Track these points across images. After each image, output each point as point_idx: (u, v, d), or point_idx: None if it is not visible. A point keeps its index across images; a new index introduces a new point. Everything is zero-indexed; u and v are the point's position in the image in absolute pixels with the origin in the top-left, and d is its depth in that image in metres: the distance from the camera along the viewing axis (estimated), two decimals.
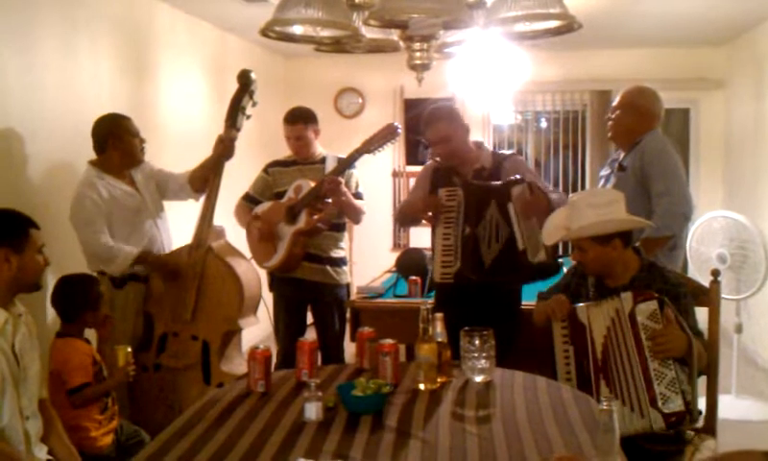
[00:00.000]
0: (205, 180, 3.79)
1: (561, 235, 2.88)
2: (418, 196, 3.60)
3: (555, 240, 2.97)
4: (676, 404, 2.43)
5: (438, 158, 3.54)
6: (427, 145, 3.86)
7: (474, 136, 3.74)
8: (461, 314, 2.83)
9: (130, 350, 3.02)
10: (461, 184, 3.33)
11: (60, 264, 3.16)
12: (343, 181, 3.91)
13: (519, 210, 3.19)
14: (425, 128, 3.48)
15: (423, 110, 3.62)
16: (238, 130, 3.78)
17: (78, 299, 3.01)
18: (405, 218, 3.85)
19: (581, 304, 2.70)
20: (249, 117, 3.83)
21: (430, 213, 3.43)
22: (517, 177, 3.27)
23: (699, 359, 2.57)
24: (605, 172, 3.79)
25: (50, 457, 2.49)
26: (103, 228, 3.44)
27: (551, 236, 2.98)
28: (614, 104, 3.73)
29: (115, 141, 3.54)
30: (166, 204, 3.86)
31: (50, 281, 3.15)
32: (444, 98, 6.88)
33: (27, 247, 2.43)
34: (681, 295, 2.65)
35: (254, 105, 3.81)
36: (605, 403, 1.79)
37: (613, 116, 3.68)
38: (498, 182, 3.29)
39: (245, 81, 3.76)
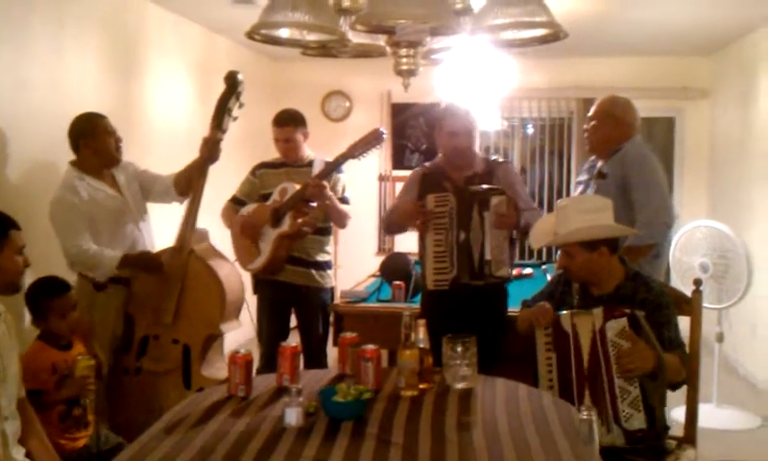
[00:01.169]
0: (190, 182, 3.74)
1: (549, 240, 2.89)
2: (405, 201, 3.54)
3: (543, 244, 2.98)
4: (638, 422, 2.46)
5: (429, 160, 3.48)
6: (414, 146, 3.82)
7: None
8: (450, 321, 2.82)
9: (93, 362, 2.85)
10: (453, 190, 3.31)
11: (40, 266, 3.11)
12: (327, 185, 3.90)
13: (493, 221, 3.21)
14: (449, 116, 3.40)
15: (438, 106, 3.51)
16: (224, 131, 3.74)
17: (41, 303, 2.90)
18: (392, 226, 3.77)
19: (565, 312, 2.71)
20: (235, 119, 3.80)
21: (419, 221, 3.36)
22: (498, 188, 3.28)
23: (675, 373, 2.58)
24: (582, 178, 3.79)
25: (27, 460, 2.46)
26: (84, 233, 3.40)
27: (539, 240, 2.99)
28: (589, 114, 3.74)
29: (87, 140, 3.50)
30: (149, 206, 3.83)
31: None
32: (432, 103, 6.90)
33: (6, 247, 2.41)
34: (663, 305, 2.67)
35: (241, 106, 3.78)
36: (585, 413, 1.79)
37: (589, 127, 3.70)
38: (481, 188, 3.29)
39: (232, 82, 3.73)
